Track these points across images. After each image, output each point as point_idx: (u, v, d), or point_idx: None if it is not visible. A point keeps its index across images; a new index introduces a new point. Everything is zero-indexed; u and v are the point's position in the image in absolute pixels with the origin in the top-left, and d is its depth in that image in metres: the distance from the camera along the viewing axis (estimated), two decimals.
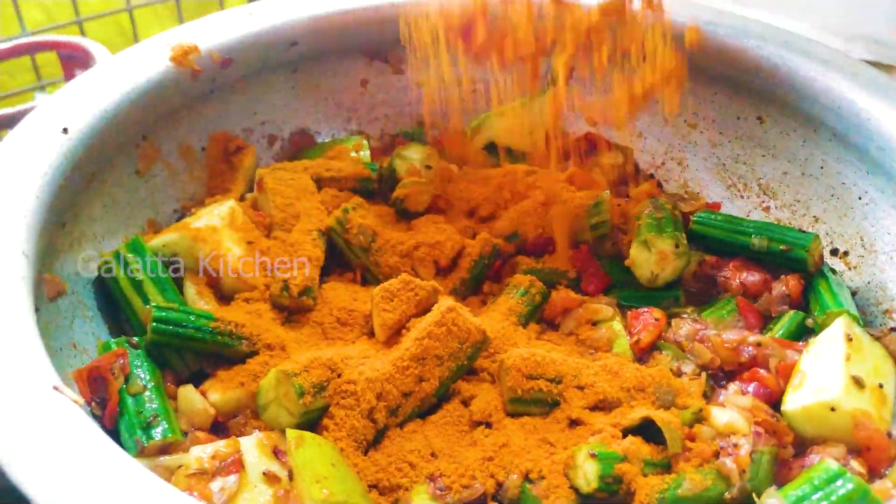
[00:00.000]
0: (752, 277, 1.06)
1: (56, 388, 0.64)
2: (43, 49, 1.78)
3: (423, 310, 0.96)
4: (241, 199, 1.15)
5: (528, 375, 0.88)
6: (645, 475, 0.80)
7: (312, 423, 0.85)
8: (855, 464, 0.84)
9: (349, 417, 0.83)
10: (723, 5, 1.24)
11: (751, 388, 0.92)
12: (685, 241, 1.07)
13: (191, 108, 1.15)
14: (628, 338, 0.99)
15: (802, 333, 1.00)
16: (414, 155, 1.21)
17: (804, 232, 1.09)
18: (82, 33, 1.95)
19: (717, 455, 0.83)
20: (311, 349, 0.92)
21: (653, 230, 1.06)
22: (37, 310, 0.81)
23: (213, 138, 1.19)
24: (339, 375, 0.85)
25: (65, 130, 0.92)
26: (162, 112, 1.10)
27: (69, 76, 1.70)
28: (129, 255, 0.98)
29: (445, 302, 0.93)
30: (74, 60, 1.63)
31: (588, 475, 0.79)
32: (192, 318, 0.92)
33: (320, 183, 1.16)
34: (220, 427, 0.88)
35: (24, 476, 0.56)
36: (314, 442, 0.81)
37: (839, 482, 0.77)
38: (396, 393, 0.86)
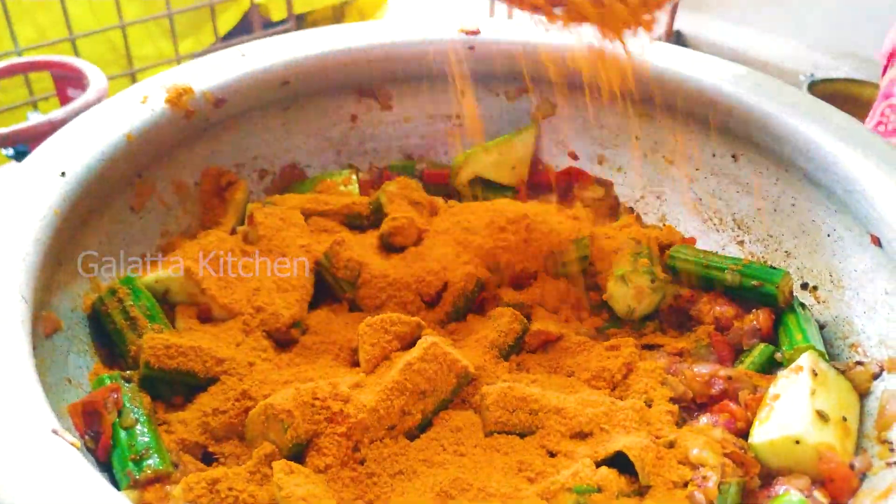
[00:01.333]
0: (725, 310, 1.10)
1: (55, 432, 0.67)
2: (36, 69, 1.83)
3: (407, 344, 1.00)
4: (233, 231, 1.19)
5: (508, 409, 0.92)
6: None
7: (300, 452, 0.88)
8: (818, 494, 0.88)
9: (333, 448, 0.86)
10: (717, 25, 1.29)
11: (721, 419, 0.96)
12: (661, 276, 1.12)
13: (184, 146, 1.19)
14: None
15: (771, 366, 1.05)
16: (399, 189, 1.25)
17: (775, 269, 1.13)
18: (75, 51, 2.00)
19: (685, 485, 0.87)
20: (298, 380, 0.95)
21: (630, 266, 1.10)
22: (34, 349, 0.85)
23: (206, 173, 1.23)
24: (325, 408, 0.89)
25: (62, 174, 0.96)
26: (156, 151, 1.14)
27: (62, 93, 1.75)
28: (123, 291, 1.01)
29: (429, 338, 0.97)
30: (67, 79, 1.68)
31: None
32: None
33: (309, 216, 1.21)
34: (209, 457, 0.92)
35: None
36: (302, 473, 0.85)
37: None
38: (380, 426, 0.90)
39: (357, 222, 1.23)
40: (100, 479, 0.65)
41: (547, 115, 1.42)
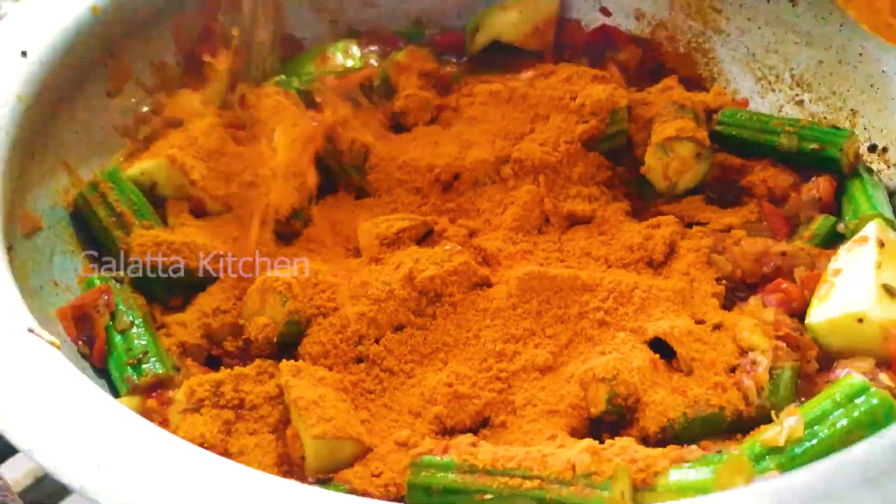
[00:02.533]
0: (780, 180, 1.05)
1: (31, 331, 0.67)
2: None
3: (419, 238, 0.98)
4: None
5: (535, 292, 0.90)
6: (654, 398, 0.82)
7: (297, 334, 0.88)
8: (884, 377, 0.85)
9: (331, 335, 0.86)
10: None
11: (774, 299, 0.93)
12: (708, 143, 1.06)
13: (161, 21, 1.14)
14: None
15: (833, 240, 0.99)
16: (408, 60, 1.19)
17: (839, 129, 1.07)
18: None
19: (733, 371, 0.85)
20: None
21: (671, 132, 1.05)
22: (9, 248, 0.84)
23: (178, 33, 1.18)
24: (328, 288, 0.88)
25: (23, 54, 0.93)
26: (127, 24, 1.09)
27: None
28: (106, 185, 0.99)
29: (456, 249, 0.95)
30: None
31: (596, 398, 0.82)
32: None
33: (310, 96, 1.16)
34: (212, 360, 0.92)
35: (6, 424, 0.59)
36: (310, 375, 0.85)
37: (862, 398, 0.78)
38: (386, 322, 0.89)
39: (361, 97, 1.19)
40: (79, 375, 0.64)
41: None
